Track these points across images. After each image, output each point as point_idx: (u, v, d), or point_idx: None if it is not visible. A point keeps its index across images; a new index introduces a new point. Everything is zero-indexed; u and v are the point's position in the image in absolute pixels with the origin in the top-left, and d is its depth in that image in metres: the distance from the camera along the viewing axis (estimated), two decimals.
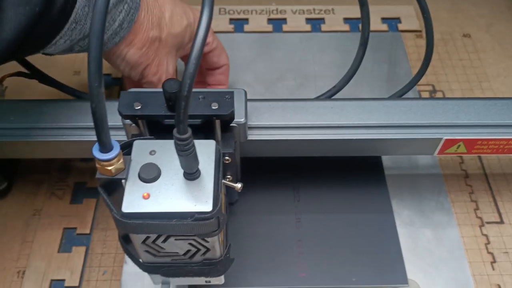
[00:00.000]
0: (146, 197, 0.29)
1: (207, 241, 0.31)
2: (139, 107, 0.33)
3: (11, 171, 0.51)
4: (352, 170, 0.49)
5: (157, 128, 0.35)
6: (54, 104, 0.41)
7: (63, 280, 0.44)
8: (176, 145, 0.27)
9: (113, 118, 0.36)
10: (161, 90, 0.32)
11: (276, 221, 0.46)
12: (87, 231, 0.47)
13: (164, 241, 0.31)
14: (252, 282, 0.43)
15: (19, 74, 0.44)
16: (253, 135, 0.39)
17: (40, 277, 0.44)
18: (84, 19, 0.34)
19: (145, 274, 0.44)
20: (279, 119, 0.40)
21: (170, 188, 0.29)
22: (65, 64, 0.61)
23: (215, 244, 0.32)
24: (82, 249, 0.46)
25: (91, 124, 0.40)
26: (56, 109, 0.41)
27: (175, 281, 0.37)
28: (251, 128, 0.40)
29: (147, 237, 0.31)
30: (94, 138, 0.39)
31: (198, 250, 0.32)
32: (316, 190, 0.48)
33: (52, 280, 0.44)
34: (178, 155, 0.27)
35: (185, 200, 0.29)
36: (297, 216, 0.46)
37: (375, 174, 0.49)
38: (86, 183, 0.51)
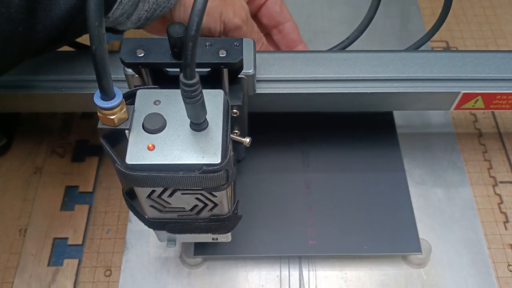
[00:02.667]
0: (151, 148, 0.27)
1: (214, 196, 0.30)
2: (142, 55, 0.31)
3: (11, 128, 0.49)
4: (364, 129, 0.48)
5: (161, 79, 0.33)
6: (53, 56, 0.39)
7: (66, 238, 0.43)
8: (183, 92, 0.25)
9: (114, 71, 0.34)
10: (165, 37, 0.30)
11: (285, 187, 0.44)
12: (90, 189, 0.46)
13: (170, 195, 0.30)
14: (260, 250, 0.41)
15: None
16: (261, 88, 0.37)
17: (43, 235, 0.44)
18: None
19: (150, 232, 0.43)
20: (289, 71, 0.38)
21: (176, 139, 0.28)
22: None
23: (223, 199, 0.30)
24: (85, 207, 0.45)
25: (92, 76, 0.39)
26: (56, 60, 0.39)
27: (181, 238, 0.36)
28: (259, 81, 0.38)
29: (153, 191, 0.29)
30: (95, 90, 0.37)
31: (206, 205, 0.31)
32: (327, 151, 0.46)
33: (55, 238, 0.43)
34: (185, 103, 0.26)
35: (192, 152, 0.27)
36: (307, 181, 0.45)
37: (387, 133, 0.48)
38: (88, 141, 0.49)
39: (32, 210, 0.45)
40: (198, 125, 0.28)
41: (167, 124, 0.28)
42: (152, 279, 0.41)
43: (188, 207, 0.31)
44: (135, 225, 0.43)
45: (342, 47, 0.42)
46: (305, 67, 0.38)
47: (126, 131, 0.28)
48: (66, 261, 0.42)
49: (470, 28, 0.59)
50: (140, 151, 0.27)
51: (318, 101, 0.39)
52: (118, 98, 0.27)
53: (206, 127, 0.28)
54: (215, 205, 0.31)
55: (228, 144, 0.28)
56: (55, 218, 0.44)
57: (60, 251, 0.43)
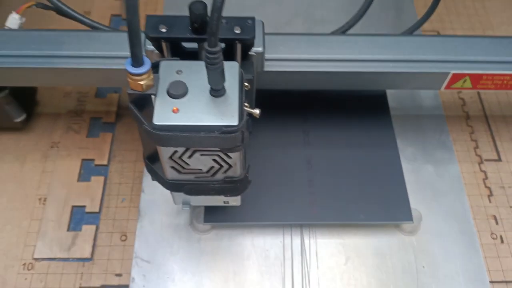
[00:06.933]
0: (176, 111, 0.30)
1: (230, 157, 0.33)
2: (164, 30, 0.34)
3: (30, 104, 0.52)
4: (360, 110, 0.51)
5: (179, 54, 0.37)
6: (74, 34, 0.42)
7: (84, 206, 0.46)
8: (206, 59, 0.28)
9: None
10: (186, 15, 0.34)
11: (288, 162, 0.48)
12: (105, 163, 0.49)
13: (190, 156, 0.33)
14: (265, 218, 0.45)
15: (37, 5, 0.45)
16: (269, 66, 0.41)
17: (62, 203, 0.47)
18: None
19: (163, 201, 0.46)
20: (294, 51, 0.41)
21: (198, 103, 0.31)
22: (76, 3, 0.61)
23: (237, 161, 0.34)
24: (101, 178, 0.48)
25: (110, 53, 0.42)
26: (77, 38, 0.42)
27: (195, 201, 0.39)
28: (267, 60, 0.41)
29: (175, 152, 0.32)
30: (113, 66, 0.40)
31: (221, 167, 0.34)
32: (326, 131, 0.50)
33: (73, 206, 0.46)
34: (207, 69, 0.29)
35: (212, 115, 0.30)
36: (308, 157, 0.48)
37: (381, 113, 0.51)
38: (101, 118, 0.52)
39: (51, 181, 0.48)
40: (217, 91, 0.31)
41: (189, 91, 0.31)
42: (165, 244, 0.44)
43: (205, 169, 0.34)
44: (148, 195, 0.47)
45: (343, 30, 0.45)
46: (309, 48, 0.42)
47: (152, 97, 0.31)
48: (84, 226, 0.45)
49: (460, 20, 0.63)
50: (166, 114, 0.30)
51: (321, 79, 0.42)
52: (147, 66, 0.30)
53: (224, 93, 0.31)
54: (230, 166, 0.34)
55: (244, 109, 0.32)
56: (73, 188, 0.48)
57: (79, 218, 0.46)
